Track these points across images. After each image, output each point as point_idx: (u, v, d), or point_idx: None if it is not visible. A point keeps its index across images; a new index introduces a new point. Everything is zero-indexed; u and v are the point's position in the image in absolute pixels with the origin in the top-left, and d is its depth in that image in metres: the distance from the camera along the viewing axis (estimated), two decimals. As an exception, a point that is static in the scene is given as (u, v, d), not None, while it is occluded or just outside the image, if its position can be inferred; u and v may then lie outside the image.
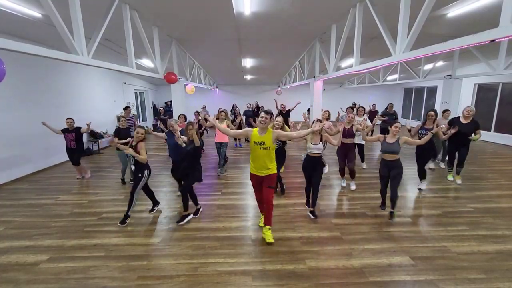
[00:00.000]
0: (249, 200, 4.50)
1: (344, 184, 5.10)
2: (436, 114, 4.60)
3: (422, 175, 4.82)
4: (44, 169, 6.62)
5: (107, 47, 6.32)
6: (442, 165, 6.34)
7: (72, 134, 5.40)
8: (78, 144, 5.53)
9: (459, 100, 7.15)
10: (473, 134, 4.77)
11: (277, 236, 3.35)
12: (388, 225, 3.58)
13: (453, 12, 4.58)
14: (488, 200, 4.38)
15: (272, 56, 8.87)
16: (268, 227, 3.23)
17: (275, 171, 3.22)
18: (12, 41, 2.30)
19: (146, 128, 5.56)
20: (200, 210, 4.02)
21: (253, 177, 3.29)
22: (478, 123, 4.77)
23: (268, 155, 3.08)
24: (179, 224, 3.64)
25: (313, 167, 3.78)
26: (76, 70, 7.97)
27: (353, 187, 4.95)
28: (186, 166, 3.80)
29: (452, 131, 4.61)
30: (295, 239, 3.28)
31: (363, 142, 6.10)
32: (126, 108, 7.65)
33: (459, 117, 4.96)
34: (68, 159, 5.76)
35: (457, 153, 5.06)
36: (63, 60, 3.01)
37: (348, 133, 4.78)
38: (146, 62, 8.34)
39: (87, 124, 5.36)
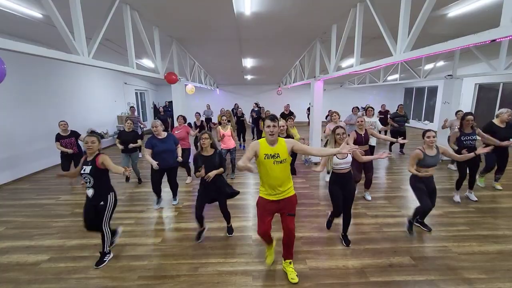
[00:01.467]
0: (250, 200, 4.51)
1: (369, 198, 4.46)
2: (475, 118, 4.04)
3: (473, 183, 4.29)
4: (45, 169, 6.63)
5: (107, 47, 6.32)
6: (453, 167, 6.03)
7: (72, 138, 5.02)
8: (79, 148, 5.18)
9: (459, 100, 7.12)
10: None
11: (278, 236, 3.34)
12: (389, 226, 3.58)
13: (453, 12, 4.57)
14: (489, 201, 4.37)
15: (272, 56, 8.87)
16: (289, 260, 2.67)
17: (294, 192, 2.54)
18: (12, 41, 2.30)
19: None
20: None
21: (263, 202, 2.50)
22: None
23: (284, 170, 2.41)
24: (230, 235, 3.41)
25: (343, 186, 3.07)
26: (77, 70, 7.98)
27: (368, 197, 4.45)
28: (214, 186, 3.18)
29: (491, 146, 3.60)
30: (295, 239, 3.26)
31: (374, 144, 5.56)
32: (131, 108, 7.68)
33: (492, 121, 4.42)
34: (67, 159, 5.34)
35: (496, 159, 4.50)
36: (64, 60, 3.01)
37: (365, 139, 4.29)
38: (146, 62, 8.34)
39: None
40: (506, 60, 5.83)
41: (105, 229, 2.84)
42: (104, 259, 2.89)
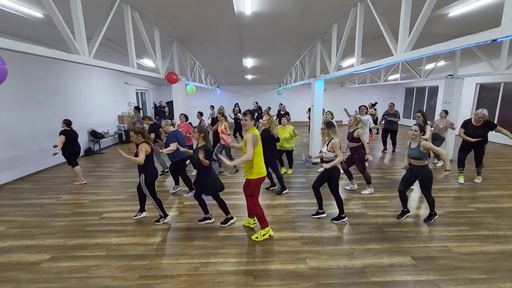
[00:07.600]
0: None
1: (348, 188, 4.85)
2: (423, 115, 4.60)
3: None
4: (45, 168, 6.64)
5: (108, 47, 6.32)
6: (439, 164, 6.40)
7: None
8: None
9: (460, 100, 7.11)
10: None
11: (278, 236, 3.36)
12: (389, 225, 3.58)
13: (454, 11, 4.56)
14: (489, 200, 4.36)
15: (273, 56, 8.86)
16: (260, 226, 3.32)
17: (251, 177, 3.09)
18: (13, 41, 2.30)
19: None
20: (210, 221, 3.73)
21: None
22: (491, 122, 4.71)
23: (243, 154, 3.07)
24: (222, 225, 3.62)
25: (325, 174, 3.54)
26: (77, 70, 7.99)
27: (368, 190, 4.68)
28: (198, 174, 3.61)
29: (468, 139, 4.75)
30: (296, 239, 3.28)
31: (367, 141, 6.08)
32: (136, 108, 7.61)
33: (470, 119, 4.91)
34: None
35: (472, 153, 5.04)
36: (65, 60, 3.01)
37: (351, 136, 4.60)
38: (147, 62, 8.34)
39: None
40: (507, 60, 5.81)
41: (151, 199, 3.61)
42: (160, 221, 3.72)
